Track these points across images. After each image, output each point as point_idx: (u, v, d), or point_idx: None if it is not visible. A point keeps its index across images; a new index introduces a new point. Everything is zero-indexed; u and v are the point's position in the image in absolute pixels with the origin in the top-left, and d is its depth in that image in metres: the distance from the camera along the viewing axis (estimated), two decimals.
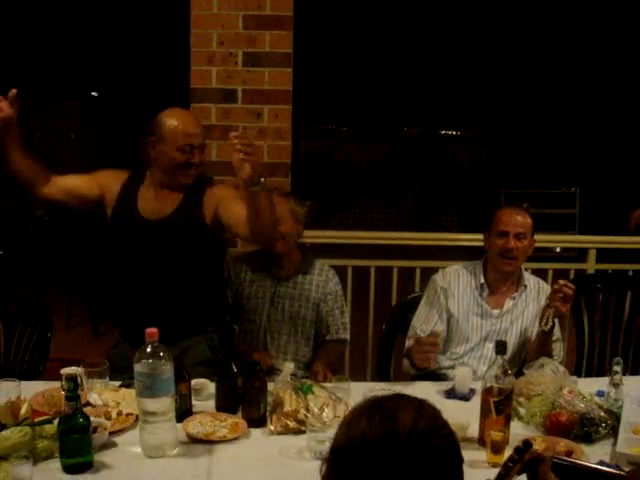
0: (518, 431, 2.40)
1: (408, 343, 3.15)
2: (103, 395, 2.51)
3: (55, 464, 2.15)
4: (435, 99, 12.05)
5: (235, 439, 2.33)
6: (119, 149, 10.16)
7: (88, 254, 6.58)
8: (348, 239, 4.43)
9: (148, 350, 2.16)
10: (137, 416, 2.35)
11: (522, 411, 2.56)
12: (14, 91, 2.67)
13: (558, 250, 7.43)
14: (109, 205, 3.02)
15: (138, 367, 2.17)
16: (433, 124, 13.10)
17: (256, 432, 2.40)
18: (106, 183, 3.02)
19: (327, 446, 2.18)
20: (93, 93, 11.77)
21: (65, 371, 2.55)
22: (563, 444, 2.27)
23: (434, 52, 11.32)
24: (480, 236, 3.28)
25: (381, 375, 3.43)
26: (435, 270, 3.37)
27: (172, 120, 2.89)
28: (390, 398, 1.33)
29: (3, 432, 2.19)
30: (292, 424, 2.38)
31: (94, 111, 10.51)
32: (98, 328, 6.49)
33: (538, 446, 1.60)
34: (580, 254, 4.67)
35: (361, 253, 4.44)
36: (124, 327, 3.08)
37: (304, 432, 2.30)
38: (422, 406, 1.31)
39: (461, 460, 1.31)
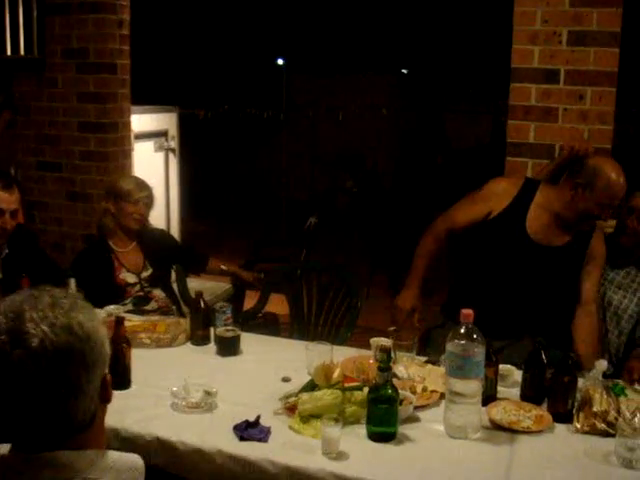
0: None
1: None
2: (410, 369, 2.56)
3: (360, 430, 2.23)
4: None
5: (539, 432, 2.26)
6: (426, 124, 10.33)
7: (392, 225, 6.80)
8: None
9: (462, 331, 2.16)
10: (442, 394, 2.38)
11: None
12: None
13: None
14: (494, 212, 3.02)
15: (450, 347, 2.18)
16: None
17: (560, 428, 2.31)
18: (496, 200, 3.01)
19: (637, 455, 2.06)
20: (403, 70, 12.05)
21: (377, 342, 2.65)
22: None
23: None
24: None
25: None
26: None
27: (611, 177, 2.83)
28: None
29: (317, 392, 2.31)
30: (600, 425, 2.25)
31: (404, 88, 10.79)
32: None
33: None
34: None
35: None
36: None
37: (612, 435, 2.18)
38: None
39: None
